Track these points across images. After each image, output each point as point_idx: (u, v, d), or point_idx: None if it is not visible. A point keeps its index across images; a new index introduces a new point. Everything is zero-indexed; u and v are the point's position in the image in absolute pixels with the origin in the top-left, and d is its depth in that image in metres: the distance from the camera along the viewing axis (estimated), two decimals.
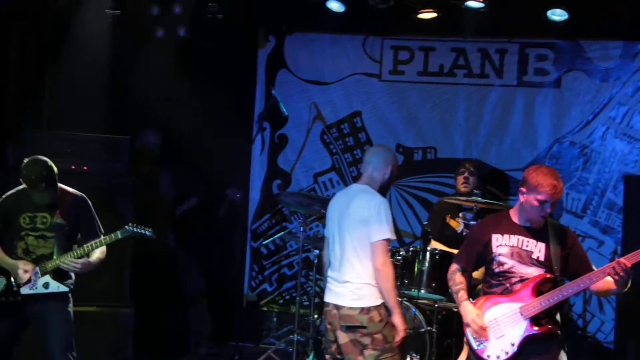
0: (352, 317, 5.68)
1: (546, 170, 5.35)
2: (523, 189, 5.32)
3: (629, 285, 5.14)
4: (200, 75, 8.74)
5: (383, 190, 5.83)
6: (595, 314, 8.19)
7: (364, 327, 5.67)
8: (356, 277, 5.71)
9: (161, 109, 8.62)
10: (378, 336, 5.68)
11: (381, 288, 5.67)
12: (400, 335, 5.72)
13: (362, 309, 5.68)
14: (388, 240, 5.71)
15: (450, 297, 7.26)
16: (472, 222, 7.38)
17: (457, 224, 7.69)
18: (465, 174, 7.80)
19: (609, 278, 5.15)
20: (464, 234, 7.57)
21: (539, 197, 5.24)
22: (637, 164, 8.27)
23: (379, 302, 5.71)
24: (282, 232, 8.76)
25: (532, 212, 5.29)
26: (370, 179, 5.82)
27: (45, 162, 6.20)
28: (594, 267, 5.29)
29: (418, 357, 7.13)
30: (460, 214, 7.72)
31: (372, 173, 5.82)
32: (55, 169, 6.23)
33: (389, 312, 5.70)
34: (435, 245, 7.64)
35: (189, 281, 8.86)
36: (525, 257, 5.31)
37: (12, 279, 6.21)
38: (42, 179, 6.15)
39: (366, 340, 5.66)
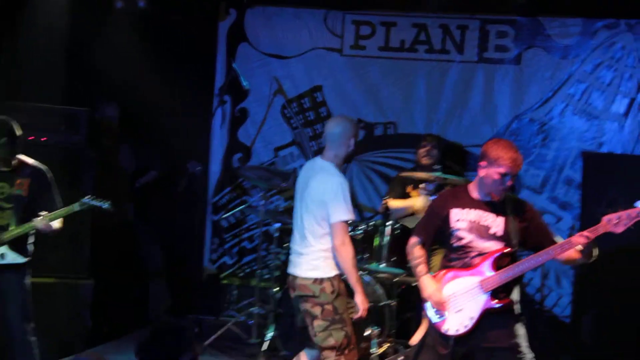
0: (306, 287, 5.74)
1: (505, 143, 5.35)
2: (483, 163, 5.31)
3: (594, 255, 5.17)
4: (160, 48, 8.68)
5: (348, 159, 5.86)
6: (553, 288, 8.27)
7: (315, 297, 5.71)
8: (312, 249, 5.75)
9: (121, 82, 8.51)
10: (328, 307, 5.71)
11: (341, 267, 5.70)
12: (361, 313, 5.76)
13: (316, 279, 5.72)
14: (347, 221, 5.71)
15: (409, 271, 7.33)
16: (432, 196, 7.39)
17: (417, 194, 7.68)
18: (428, 147, 7.81)
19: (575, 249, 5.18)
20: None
21: (500, 170, 5.23)
22: (595, 140, 8.33)
23: (332, 273, 5.74)
24: (243, 206, 8.79)
25: (493, 185, 5.28)
26: (333, 154, 5.80)
27: (7, 120, 6.16)
28: (555, 238, 5.31)
29: (378, 329, 7.14)
30: (421, 185, 7.71)
31: (335, 148, 5.80)
32: (18, 130, 6.17)
33: (347, 285, 5.73)
34: (391, 203, 7.65)
35: (148, 254, 8.82)
36: (483, 232, 5.30)
37: None
38: (2, 134, 6.11)
39: (317, 311, 5.71)
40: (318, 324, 5.72)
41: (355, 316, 5.77)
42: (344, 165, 5.90)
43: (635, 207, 5.00)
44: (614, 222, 5.04)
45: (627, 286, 7.52)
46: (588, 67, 8.32)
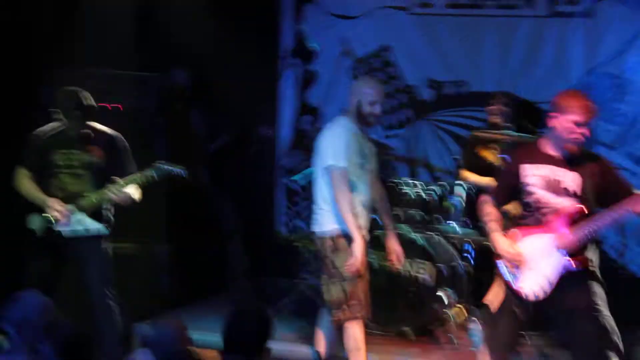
0: (315, 241, 6.00)
1: (576, 92, 5.32)
2: (554, 114, 5.22)
3: None
4: (228, 13, 8.67)
5: (364, 119, 6.06)
6: (629, 246, 8.18)
7: (319, 251, 5.96)
8: (317, 204, 5.99)
9: (190, 48, 8.58)
10: (327, 261, 5.89)
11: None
12: (352, 262, 5.82)
13: (317, 233, 5.95)
14: (337, 167, 5.85)
15: (482, 232, 7.33)
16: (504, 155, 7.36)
17: (490, 155, 7.63)
18: (498, 106, 7.74)
19: None
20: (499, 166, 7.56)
21: (573, 117, 5.15)
22: None
23: (330, 227, 5.91)
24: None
25: (566, 134, 5.19)
26: (347, 110, 6.06)
27: (82, 91, 6.26)
28: (635, 191, 5.17)
29: (452, 292, 7.20)
30: (493, 145, 7.67)
31: (348, 103, 6.06)
32: (92, 101, 6.28)
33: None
34: (465, 175, 7.62)
35: (224, 217, 8.92)
36: (556, 187, 5.22)
37: (47, 217, 6.27)
38: (78, 107, 6.21)
39: (321, 264, 5.94)
40: (322, 277, 5.93)
41: (347, 269, 5.83)
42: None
43: None
44: None
45: None
46: None
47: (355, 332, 5.88)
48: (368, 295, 6.00)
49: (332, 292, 5.86)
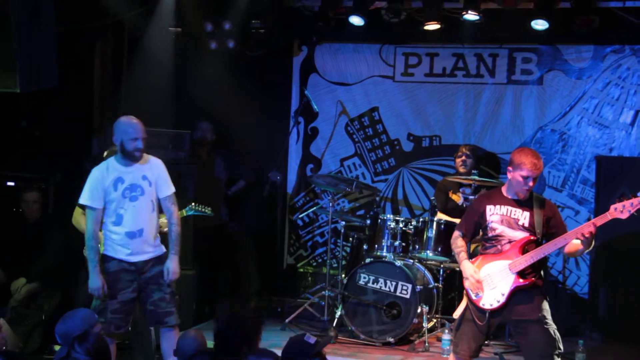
0: None
1: (528, 151, 5.44)
2: (510, 168, 5.41)
3: (592, 245, 5.22)
4: (246, 79, 8.82)
5: (129, 155, 5.76)
6: (572, 270, 8.24)
7: None
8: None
9: (215, 108, 8.73)
10: None
11: None
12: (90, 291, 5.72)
13: None
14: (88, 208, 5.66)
15: (453, 259, 7.40)
16: (470, 196, 7.45)
17: (458, 198, 7.75)
18: (463, 157, 7.86)
19: (576, 241, 5.21)
20: (464, 205, 7.65)
21: (522, 173, 5.32)
22: (606, 146, 8.27)
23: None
24: (315, 207, 8.81)
25: (518, 186, 5.36)
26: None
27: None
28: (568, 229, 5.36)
29: (427, 308, 7.20)
30: (460, 190, 7.79)
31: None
32: None
33: None
34: (440, 216, 7.70)
35: (239, 248, 8.92)
36: (513, 223, 5.39)
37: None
38: None
39: None
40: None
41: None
42: None
43: (637, 196, 5.03)
44: (620, 209, 5.07)
45: (635, 266, 7.49)
46: (599, 85, 8.27)
47: None
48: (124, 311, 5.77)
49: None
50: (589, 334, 7.67)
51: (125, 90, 8.54)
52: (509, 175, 5.40)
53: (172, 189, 5.89)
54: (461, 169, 7.86)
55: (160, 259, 5.83)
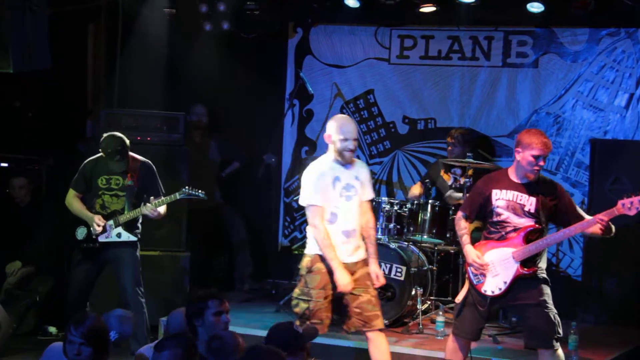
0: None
1: (536, 131, 5.42)
2: (519, 149, 5.32)
3: (613, 231, 5.18)
4: (241, 61, 8.79)
5: (339, 154, 5.60)
6: (566, 253, 8.21)
7: (299, 267, 5.69)
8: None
9: (209, 89, 8.70)
10: (301, 279, 5.59)
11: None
12: (341, 289, 5.43)
13: (304, 251, 5.69)
14: (310, 205, 5.50)
15: (447, 241, 7.40)
16: (460, 177, 7.43)
17: (448, 177, 7.77)
18: (449, 148, 7.90)
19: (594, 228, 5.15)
20: (453, 186, 7.68)
21: (534, 152, 5.23)
22: (601, 129, 8.22)
23: (312, 251, 5.57)
24: None
25: (529, 166, 5.27)
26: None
27: (121, 138, 6.32)
28: (581, 213, 5.31)
29: (421, 290, 7.19)
30: (452, 170, 7.77)
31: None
32: (127, 142, 6.33)
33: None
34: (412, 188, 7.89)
35: (234, 230, 8.94)
36: (518, 209, 5.32)
37: (92, 230, 6.35)
38: (117, 152, 6.27)
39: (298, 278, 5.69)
40: (295, 290, 5.64)
41: (339, 290, 5.46)
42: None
43: None
44: (627, 206, 5.00)
45: (628, 248, 7.47)
46: (594, 68, 8.21)
47: None
48: (330, 316, 5.57)
49: (300, 306, 5.50)
50: (582, 316, 7.67)
51: (119, 72, 8.48)
52: (518, 157, 5.30)
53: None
54: (454, 150, 7.87)
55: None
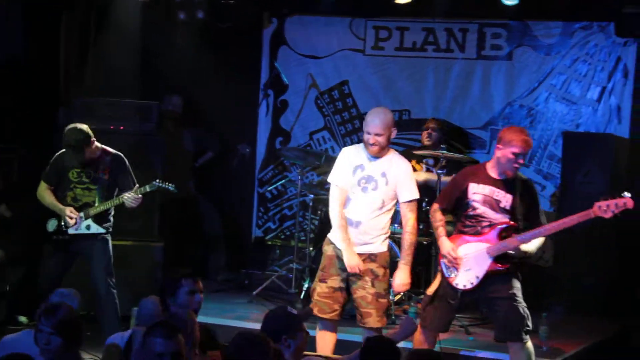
0: None
1: (517, 128, 5.44)
2: (500, 146, 5.31)
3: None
4: (215, 51, 8.74)
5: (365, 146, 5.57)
6: None
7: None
8: None
9: (183, 79, 8.64)
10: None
11: None
12: (349, 269, 5.45)
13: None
14: (331, 183, 5.58)
15: (419, 233, 7.38)
16: (432, 168, 7.45)
17: (421, 168, 7.71)
18: (429, 131, 7.85)
19: None
20: None
21: (514, 150, 5.23)
22: (573, 122, 8.28)
23: (330, 234, 5.64)
24: (283, 180, 8.81)
25: (508, 163, 5.28)
26: None
27: (76, 133, 6.20)
28: (541, 219, 5.34)
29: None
30: (424, 160, 7.76)
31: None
32: (88, 135, 6.22)
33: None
34: None
35: (208, 221, 8.91)
36: (494, 205, 5.32)
37: (62, 222, 6.30)
38: (69, 146, 6.20)
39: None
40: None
41: (349, 271, 5.48)
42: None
43: (623, 197, 4.95)
44: (604, 209, 5.00)
45: (598, 238, 7.54)
46: (567, 61, 8.26)
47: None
48: (332, 297, 5.56)
49: (313, 283, 5.71)
50: (552, 307, 7.71)
51: (92, 60, 8.40)
52: (498, 153, 5.29)
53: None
54: (426, 142, 7.86)
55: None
